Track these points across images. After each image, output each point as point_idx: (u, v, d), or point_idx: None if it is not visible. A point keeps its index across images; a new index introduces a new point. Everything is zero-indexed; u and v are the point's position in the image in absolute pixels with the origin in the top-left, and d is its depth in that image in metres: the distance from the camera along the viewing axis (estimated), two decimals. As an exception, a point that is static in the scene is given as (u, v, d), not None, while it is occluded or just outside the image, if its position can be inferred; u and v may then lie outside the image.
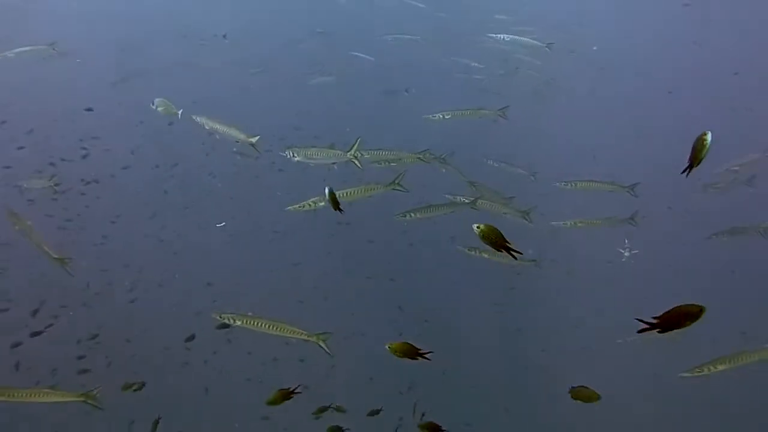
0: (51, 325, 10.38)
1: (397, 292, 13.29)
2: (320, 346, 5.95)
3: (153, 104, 7.87)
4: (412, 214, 8.10)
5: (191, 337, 10.77)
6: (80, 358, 10.52)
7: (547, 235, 10.42)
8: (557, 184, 8.95)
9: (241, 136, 7.26)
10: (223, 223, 12.00)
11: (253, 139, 7.24)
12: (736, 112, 17.68)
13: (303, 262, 13.61)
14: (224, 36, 15.85)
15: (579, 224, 9.02)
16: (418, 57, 17.91)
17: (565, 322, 13.71)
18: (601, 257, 12.95)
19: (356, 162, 7.02)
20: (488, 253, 8.22)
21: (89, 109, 12.46)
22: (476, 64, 17.42)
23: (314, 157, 6.94)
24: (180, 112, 7.95)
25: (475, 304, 13.92)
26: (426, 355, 5.19)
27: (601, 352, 12.23)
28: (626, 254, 9.15)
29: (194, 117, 7.33)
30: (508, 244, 4.26)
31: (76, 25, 16.85)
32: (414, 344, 5.25)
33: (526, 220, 8.75)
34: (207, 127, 7.23)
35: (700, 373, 5.56)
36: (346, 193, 6.55)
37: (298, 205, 6.57)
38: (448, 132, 11.71)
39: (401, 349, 5.19)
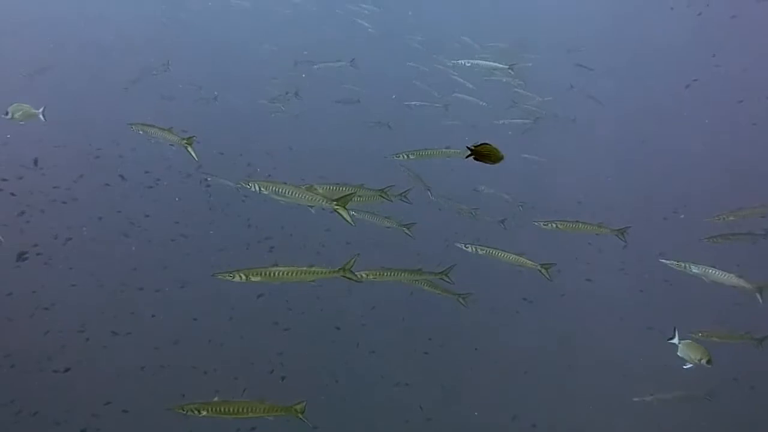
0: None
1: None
2: (300, 418, 5.55)
3: (7, 114, 7.25)
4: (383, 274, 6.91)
5: None
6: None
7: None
8: (536, 223, 7.80)
9: (175, 138, 6.77)
10: None
11: (186, 141, 6.73)
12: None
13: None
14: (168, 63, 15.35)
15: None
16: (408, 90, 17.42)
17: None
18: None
19: (345, 217, 5.64)
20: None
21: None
22: (477, 100, 16.82)
23: (285, 195, 5.70)
24: (41, 111, 7.39)
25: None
26: None
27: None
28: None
29: (129, 124, 6.92)
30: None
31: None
32: None
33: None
34: (141, 132, 6.84)
35: None
36: (282, 273, 5.30)
37: (228, 275, 5.29)
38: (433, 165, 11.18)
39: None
